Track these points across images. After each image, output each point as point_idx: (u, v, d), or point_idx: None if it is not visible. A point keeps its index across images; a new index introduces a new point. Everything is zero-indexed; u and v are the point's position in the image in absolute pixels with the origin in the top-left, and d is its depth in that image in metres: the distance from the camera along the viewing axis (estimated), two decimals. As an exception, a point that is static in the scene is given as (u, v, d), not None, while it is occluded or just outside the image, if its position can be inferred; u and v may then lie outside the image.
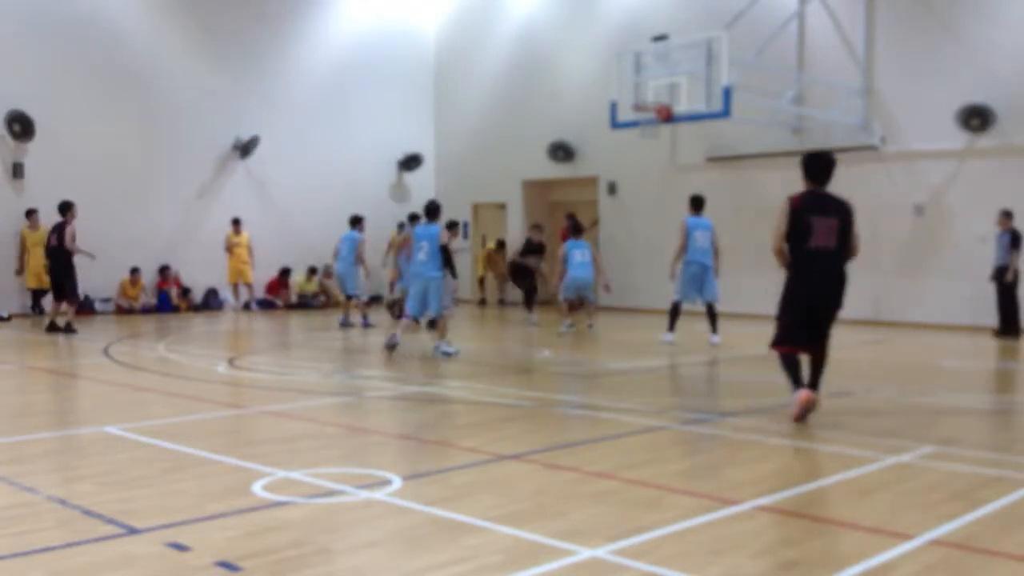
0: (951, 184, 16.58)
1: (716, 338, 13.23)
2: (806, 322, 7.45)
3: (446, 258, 12.01)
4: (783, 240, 7.34)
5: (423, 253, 11.90)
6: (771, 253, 7.59)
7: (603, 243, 20.57)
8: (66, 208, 15.30)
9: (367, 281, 16.11)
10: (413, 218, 16.80)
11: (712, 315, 13.38)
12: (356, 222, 16.75)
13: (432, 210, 12.29)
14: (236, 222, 20.26)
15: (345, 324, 16.39)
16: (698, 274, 13.21)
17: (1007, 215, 14.75)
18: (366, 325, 16.23)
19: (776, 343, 7.53)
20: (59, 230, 15.09)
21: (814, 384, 7.52)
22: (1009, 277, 14.60)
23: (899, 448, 6.56)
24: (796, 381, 7.43)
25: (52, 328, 15.07)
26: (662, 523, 4.72)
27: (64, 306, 15.29)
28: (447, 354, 11.89)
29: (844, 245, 7.46)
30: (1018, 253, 14.61)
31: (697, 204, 13.50)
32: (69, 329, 14.97)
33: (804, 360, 7.61)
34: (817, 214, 7.50)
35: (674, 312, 13.53)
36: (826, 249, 7.36)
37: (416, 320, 12.63)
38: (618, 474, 5.84)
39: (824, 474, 5.90)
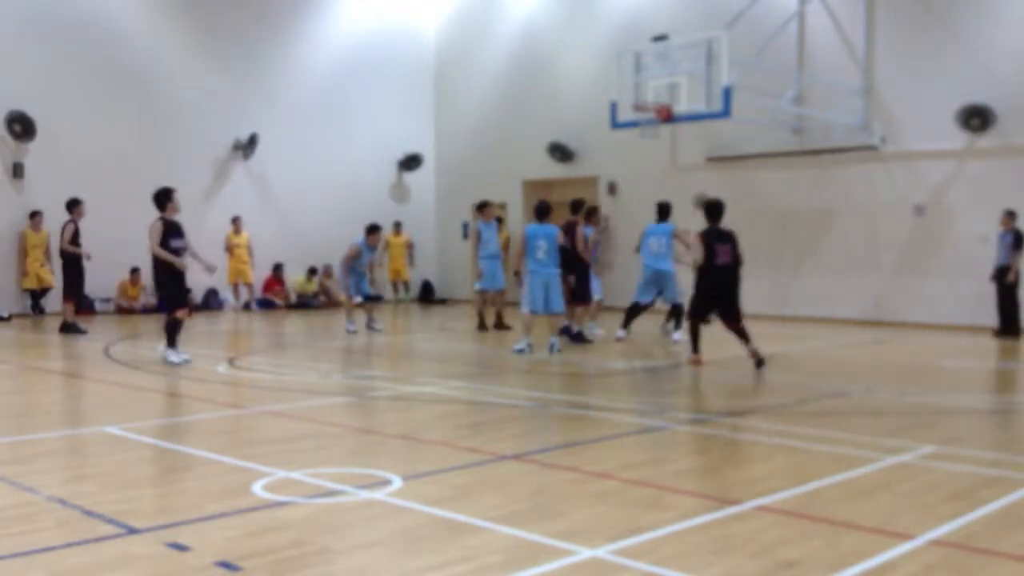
0: (951, 184, 16.58)
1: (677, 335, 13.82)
2: (711, 306, 10.98)
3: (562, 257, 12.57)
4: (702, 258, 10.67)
5: (541, 252, 12.33)
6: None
7: (604, 243, 20.56)
8: (72, 205, 15.14)
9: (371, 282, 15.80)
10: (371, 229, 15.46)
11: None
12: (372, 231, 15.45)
13: (543, 210, 12.68)
14: (236, 222, 20.26)
15: (370, 327, 15.36)
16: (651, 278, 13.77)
17: (1010, 215, 14.71)
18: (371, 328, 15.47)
19: (693, 316, 11.12)
20: (63, 228, 14.99)
21: (746, 340, 10.74)
22: (1011, 277, 14.56)
23: (899, 448, 6.56)
24: (696, 345, 10.99)
25: (65, 328, 14.94)
26: (662, 523, 4.72)
27: (64, 305, 15.21)
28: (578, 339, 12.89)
29: (736, 259, 10.86)
30: (1019, 254, 14.53)
31: (662, 212, 13.96)
32: (72, 328, 14.81)
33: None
34: (718, 242, 10.94)
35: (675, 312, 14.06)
36: (725, 264, 10.75)
37: (534, 315, 12.55)
38: (618, 474, 5.84)
39: (824, 474, 5.90)
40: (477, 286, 15.53)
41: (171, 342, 11.06)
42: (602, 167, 21.12)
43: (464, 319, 19.34)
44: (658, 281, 13.65)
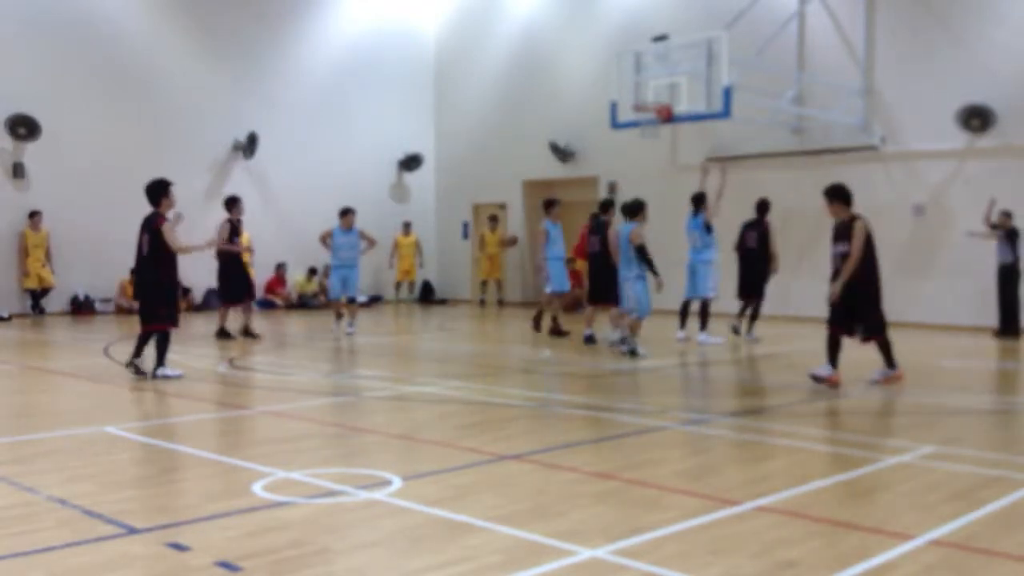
0: (951, 184, 16.57)
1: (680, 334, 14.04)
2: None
3: (640, 256, 12.04)
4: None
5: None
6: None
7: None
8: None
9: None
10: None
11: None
12: (343, 214, 14.99)
13: (635, 208, 12.03)
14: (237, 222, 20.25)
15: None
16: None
17: (1007, 215, 14.71)
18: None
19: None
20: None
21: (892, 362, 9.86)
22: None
23: (899, 448, 6.56)
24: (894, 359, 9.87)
25: (223, 334, 13.98)
26: (662, 523, 4.72)
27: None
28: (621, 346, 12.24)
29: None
30: (1014, 250, 14.62)
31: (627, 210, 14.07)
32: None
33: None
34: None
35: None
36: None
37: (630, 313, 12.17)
38: (618, 474, 5.84)
39: (824, 474, 5.90)
40: (549, 289, 14.38)
41: (162, 359, 9.96)
42: (602, 167, 21.11)
43: (464, 319, 19.35)
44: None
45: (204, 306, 20.36)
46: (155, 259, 9.93)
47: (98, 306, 19.10)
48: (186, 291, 20.30)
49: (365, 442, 7.13)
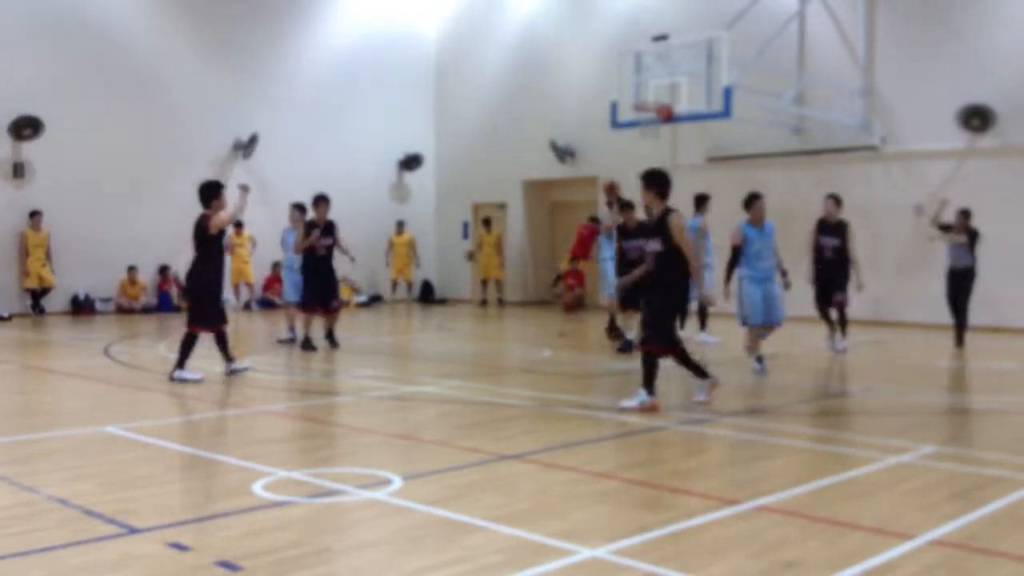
0: (951, 184, 16.57)
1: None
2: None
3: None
4: None
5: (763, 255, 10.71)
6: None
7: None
8: (316, 203, 12.87)
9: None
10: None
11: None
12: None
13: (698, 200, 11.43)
14: (239, 224, 20.31)
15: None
16: None
17: (965, 215, 13.42)
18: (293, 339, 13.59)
19: None
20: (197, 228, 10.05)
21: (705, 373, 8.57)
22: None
23: (899, 448, 6.56)
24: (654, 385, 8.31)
25: (307, 345, 12.79)
26: (662, 523, 4.72)
27: (311, 314, 12.95)
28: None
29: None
30: (972, 253, 13.36)
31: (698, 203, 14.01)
32: (308, 345, 12.75)
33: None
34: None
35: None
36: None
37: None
38: (618, 474, 5.84)
39: (824, 474, 5.90)
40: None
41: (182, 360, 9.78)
42: (602, 167, 21.08)
43: (464, 319, 19.35)
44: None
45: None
46: (200, 261, 9.85)
47: (98, 306, 19.10)
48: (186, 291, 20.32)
49: (365, 442, 7.13)
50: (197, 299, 10.02)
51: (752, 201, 10.51)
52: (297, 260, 13.29)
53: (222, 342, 10.09)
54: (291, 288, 13.65)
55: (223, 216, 9.61)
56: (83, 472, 5.91)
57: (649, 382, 8.07)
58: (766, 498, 5.20)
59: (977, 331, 15.40)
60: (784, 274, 10.70)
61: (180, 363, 9.72)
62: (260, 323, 18.07)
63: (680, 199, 15.49)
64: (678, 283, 8.10)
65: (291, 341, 13.47)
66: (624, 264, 11.84)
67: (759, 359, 10.46)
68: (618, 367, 11.26)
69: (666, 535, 4.55)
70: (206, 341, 10.17)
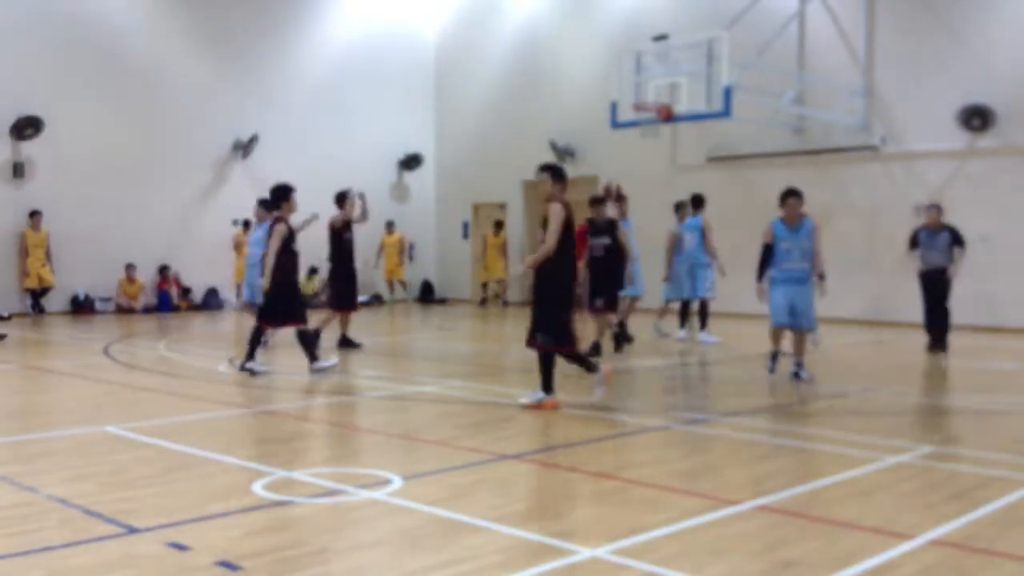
0: (951, 184, 16.57)
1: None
2: None
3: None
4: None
5: (795, 256, 9.98)
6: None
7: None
8: (279, 196, 10.98)
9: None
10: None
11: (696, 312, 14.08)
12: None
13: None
14: (246, 223, 20.35)
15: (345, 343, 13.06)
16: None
17: (937, 209, 12.64)
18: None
19: None
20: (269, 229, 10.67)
21: (594, 367, 8.40)
22: (951, 272, 12.42)
23: (899, 448, 6.56)
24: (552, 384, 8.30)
25: (345, 343, 12.76)
26: (662, 523, 4.71)
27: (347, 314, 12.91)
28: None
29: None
30: (962, 253, 12.47)
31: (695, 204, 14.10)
32: (348, 343, 12.64)
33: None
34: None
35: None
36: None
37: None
38: (618, 474, 5.84)
39: (824, 474, 5.90)
40: (635, 292, 13.39)
41: (312, 355, 10.10)
42: (602, 167, 21.07)
43: (464, 319, 19.34)
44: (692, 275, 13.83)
45: (203, 306, 20.36)
46: (275, 260, 10.15)
47: (98, 305, 19.10)
48: (186, 291, 20.33)
49: (365, 442, 7.13)
50: (272, 297, 10.27)
51: (785, 198, 9.90)
52: (255, 258, 12.87)
53: (257, 338, 10.38)
54: (250, 288, 13.06)
55: (274, 247, 10.07)
56: (83, 472, 5.91)
57: (548, 380, 8.17)
58: (766, 498, 5.20)
59: (977, 331, 15.40)
60: (821, 278, 9.85)
61: (250, 355, 10.14)
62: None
63: (679, 199, 15.56)
64: (564, 278, 8.07)
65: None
66: (590, 260, 11.71)
67: (799, 366, 9.82)
68: (628, 367, 11.25)
69: (666, 535, 4.55)
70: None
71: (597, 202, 12.02)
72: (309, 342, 10.29)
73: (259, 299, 12.83)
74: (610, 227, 11.83)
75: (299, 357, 12.23)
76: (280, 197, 10.24)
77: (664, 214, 15.70)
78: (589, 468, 5.96)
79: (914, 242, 12.63)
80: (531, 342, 8.19)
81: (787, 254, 9.78)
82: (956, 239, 12.40)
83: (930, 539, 4.50)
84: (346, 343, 12.65)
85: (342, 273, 12.59)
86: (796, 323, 9.80)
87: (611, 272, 11.75)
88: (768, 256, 9.90)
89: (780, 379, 10.05)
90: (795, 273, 9.75)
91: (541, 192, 8.25)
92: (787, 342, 10.15)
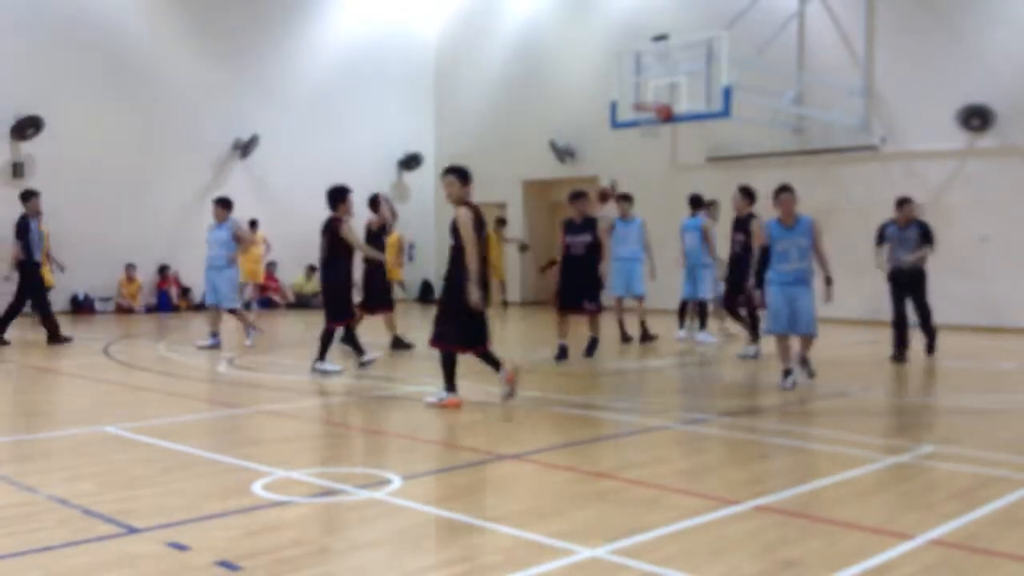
0: (951, 184, 16.57)
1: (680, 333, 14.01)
2: None
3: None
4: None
5: (794, 257, 9.29)
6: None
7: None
8: (336, 197, 10.88)
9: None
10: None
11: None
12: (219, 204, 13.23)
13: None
14: (253, 223, 20.41)
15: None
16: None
17: (907, 203, 11.61)
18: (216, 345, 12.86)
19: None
20: (328, 230, 10.80)
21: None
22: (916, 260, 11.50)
23: (899, 448, 6.56)
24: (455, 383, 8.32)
25: (397, 343, 12.68)
26: (662, 523, 4.71)
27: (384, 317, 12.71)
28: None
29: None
30: (930, 249, 11.56)
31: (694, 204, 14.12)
32: (400, 344, 12.57)
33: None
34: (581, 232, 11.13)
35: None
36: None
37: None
38: (618, 474, 5.84)
39: (824, 474, 5.90)
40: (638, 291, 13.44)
41: (323, 353, 10.24)
42: (602, 167, 21.09)
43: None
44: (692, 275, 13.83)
45: (203, 306, 20.32)
46: (329, 261, 10.51)
47: (98, 305, 19.11)
48: (185, 291, 20.32)
49: (365, 442, 7.13)
50: (331, 296, 10.46)
51: (778, 194, 9.31)
52: (221, 258, 12.83)
53: (328, 338, 10.46)
54: (220, 288, 12.86)
55: (357, 241, 10.50)
56: (83, 472, 5.90)
57: (450, 379, 8.27)
58: (766, 498, 5.20)
59: (977, 331, 15.41)
60: (828, 282, 9.28)
61: (321, 355, 10.23)
62: (261, 323, 18.06)
63: (680, 199, 15.58)
64: (464, 279, 8.12)
65: (215, 347, 12.59)
66: (566, 259, 11.44)
67: (786, 373, 9.24)
68: (628, 367, 11.26)
69: (666, 535, 4.55)
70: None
71: (576, 198, 11.65)
72: (327, 341, 10.33)
73: (224, 303, 12.83)
74: (591, 224, 11.49)
75: (298, 357, 12.23)
76: (337, 199, 10.53)
77: (664, 214, 15.73)
78: (589, 468, 5.95)
79: (881, 238, 11.77)
80: (434, 342, 8.35)
81: (784, 255, 9.21)
82: (925, 235, 11.48)
83: (930, 539, 4.50)
84: (399, 344, 12.64)
85: (380, 275, 12.58)
86: (795, 328, 9.23)
87: (595, 270, 11.48)
88: (765, 259, 9.41)
89: (779, 380, 10.05)
90: (793, 275, 9.16)
91: (450, 195, 8.27)
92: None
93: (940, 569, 4.13)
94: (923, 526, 4.68)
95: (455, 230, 8.10)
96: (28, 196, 13.44)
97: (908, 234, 11.49)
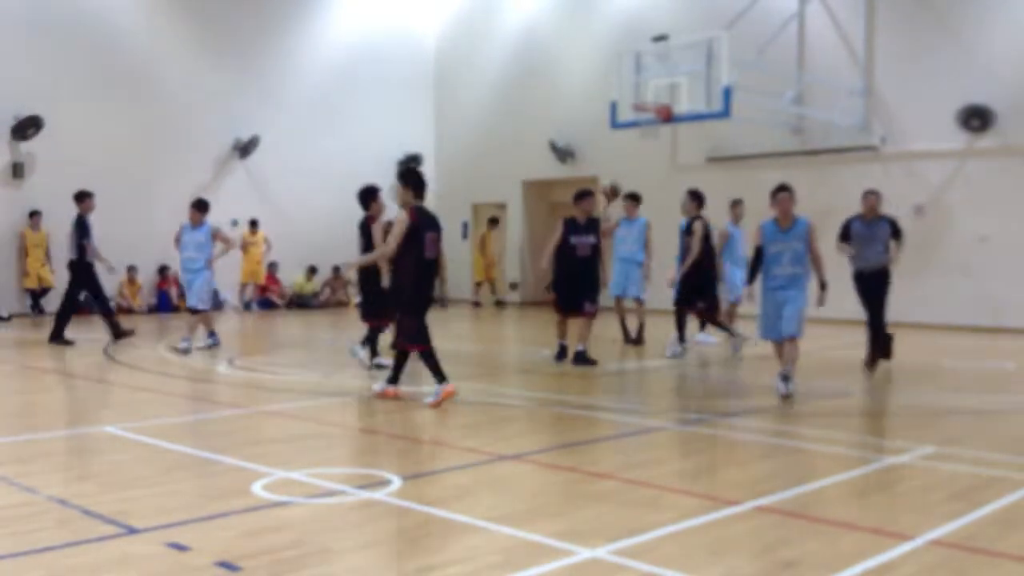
0: (951, 184, 16.57)
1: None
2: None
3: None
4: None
5: (786, 261, 8.87)
6: None
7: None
8: (367, 197, 10.80)
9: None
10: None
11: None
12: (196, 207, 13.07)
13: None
14: (254, 223, 20.45)
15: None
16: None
17: (875, 195, 10.89)
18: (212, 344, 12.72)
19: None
20: (362, 230, 10.78)
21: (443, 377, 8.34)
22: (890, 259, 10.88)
23: (899, 448, 6.56)
24: (443, 375, 8.32)
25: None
26: (662, 523, 4.71)
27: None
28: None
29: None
30: (900, 246, 10.87)
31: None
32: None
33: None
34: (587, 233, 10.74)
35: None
36: (432, 259, 8.40)
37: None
38: (618, 474, 5.84)
39: (824, 474, 5.90)
40: (732, 297, 13.27)
41: (373, 349, 10.58)
42: (602, 167, 21.09)
43: (463, 319, 19.34)
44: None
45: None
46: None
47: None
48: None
49: (365, 442, 7.14)
50: (368, 295, 10.60)
51: (776, 193, 8.85)
52: (198, 261, 12.53)
53: (375, 336, 10.73)
54: (194, 288, 12.49)
55: (380, 241, 10.07)
56: (83, 472, 5.91)
57: (395, 374, 8.56)
58: (766, 498, 5.20)
59: (977, 331, 15.41)
60: (822, 287, 8.85)
61: (372, 352, 10.57)
62: (261, 323, 18.07)
63: (679, 199, 15.57)
64: (404, 280, 8.31)
65: (186, 352, 12.12)
66: (571, 260, 11.09)
67: (784, 378, 8.75)
68: (628, 367, 11.26)
69: (666, 535, 4.55)
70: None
71: (581, 198, 11.31)
72: (373, 338, 10.68)
73: (201, 304, 12.41)
74: (595, 225, 11.29)
75: (298, 357, 12.24)
76: (369, 198, 10.53)
77: (664, 215, 15.72)
78: (589, 468, 5.96)
79: (845, 234, 10.92)
80: (406, 345, 8.52)
81: (776, 258, 8.75)
82: (895, 231, 10.68)
83: (930, 539, 4.50)
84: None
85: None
86: (778, 333, 8.81)
87: (597, 272, 11.27)
88: (759, 260, 8.94)
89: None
90: (785, 279, 8.71)
91: (396, 199, 8.43)
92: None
93: (940, 569, 4.13)
94: (923, 526, 4.68)
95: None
96: (83, 196, 13.43)
97: (877, 231, 10.69)
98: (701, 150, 19.41)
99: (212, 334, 12.83)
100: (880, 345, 10.63)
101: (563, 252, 11.17)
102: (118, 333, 13.62)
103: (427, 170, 24.17)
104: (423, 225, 8.19)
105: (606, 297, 12.35)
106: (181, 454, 6.45)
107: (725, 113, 15.07)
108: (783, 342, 8.81)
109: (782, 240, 8.75)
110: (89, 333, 15.18)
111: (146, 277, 19.87)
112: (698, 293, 12.12)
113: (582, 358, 11.02)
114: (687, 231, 12.27)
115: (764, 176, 18.34)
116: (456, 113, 24.12)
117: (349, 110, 22.71)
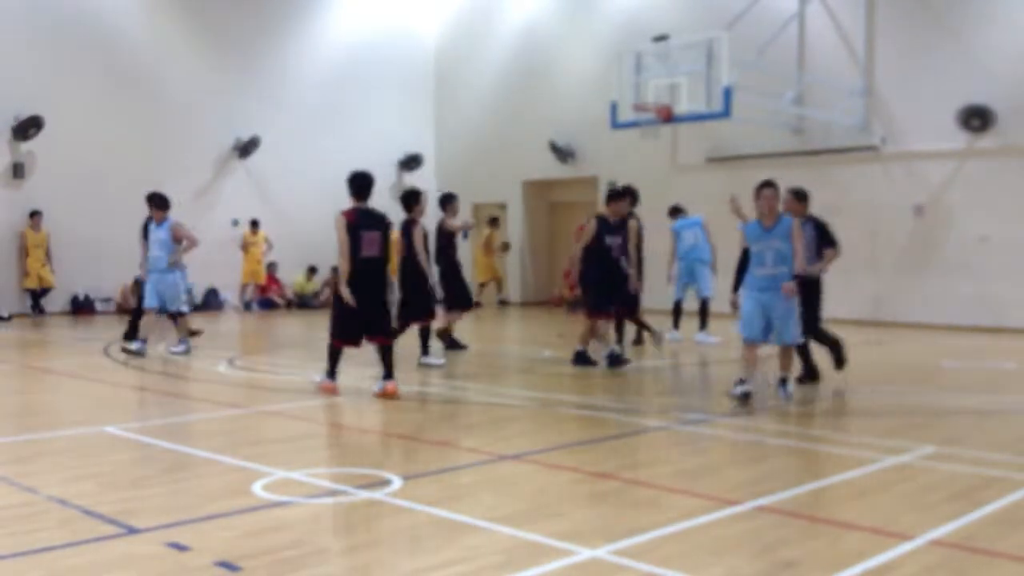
0: (951, 184, 16.58)
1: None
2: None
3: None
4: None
5: (769, 261, 8.43)
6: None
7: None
8: (410, 200, 11.09)
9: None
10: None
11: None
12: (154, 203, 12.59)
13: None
14: (255, 223, 20.45)
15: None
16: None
17: (798, 196, 9.39)
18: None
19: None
20: (405, 232, 11.00)
21: (390, 374, 8.67)
22: (810, 269, 8.95)
23: (899, 448, 6.56)
24: (334, 372, 8.89)
25: (453, 344, 12.57)
26: (662, 523, 4.71)
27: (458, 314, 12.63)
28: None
29: (386, 254, 8.90)
30: (833, 250, 9.38)
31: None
32: (453, 344, 12.52)
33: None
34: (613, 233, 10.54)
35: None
36: (372, 257, 8.73)
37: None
38: (618, 474, 5.84)
39: (824, 474, 5.90)
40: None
41: (425, 348, 11.12)
42: (602, 167, 21.11)
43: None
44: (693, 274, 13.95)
45: (203, 306, 20.34)
46: (408, 260, 10.95)
47: (98, 306, 19.11)
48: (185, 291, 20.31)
49: (365, 442, 7.14)
50: (410, 294, 10.98)
51: (759, 190, 8.50)
52: (162, 260, 12.00)
53: (426, 334, 11.15)
54: (164, 294, 11.97)
55: (415, 246, 10.83)
56: (83, 472, 5.90)
57: (331, 367, 8.89)
58: (766, 498, 5.20)
59: (977, 331, 15.41)
60: (793, 277, 8.33)
61: (424, 351, 10.99)
62: (261, 323, 18.07)
63: (680, 199, 15.57)
64: (349, 280, 8.65)
65: (186, 353, 11.91)
66: (607, 261, 10.74)
67: (784, 382, 8.57)
68: (628, 367, 11.24)
69: (666, 535, 4.55)
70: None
71: (615, 198, 11.01)
72: (425, 337, 11.13)
73: (171, 306, 12.00)
74: (625, 226, 11.01)
75: (298, 357, 12.24)
76: (412, 201, 10.92)
77: (663, 215, 15.71)
78: (589, 468, 5.96)
79: None
80: (382, 339, 8.85)
81: (759, 258, 8.39)
82: (824, 237, 9.37)
83: (930, 539, 4.50)
84: (453, 344, 12.57)
85: (456, 273, 12.73)
86: (777, 339, 8.49)
87: (624, 273, 11.01)
88: (745, 264, 8.62)
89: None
90: (768, 280, 8.33)
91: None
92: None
93: (940, 569, 4.13)
94: (923, 526, 4.68)
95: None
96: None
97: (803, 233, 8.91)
98: (701, 150, 19.41)
99: (184, 340, 12.19)
100: (832, 353, 9.77)
101: (596, 253, 10.76)
102: (130, 333, 12.64)
103: (427, 170, 24.25)
104: (360, 224, 8.76)
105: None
106: (181, 454, 6.45)
107: (725, 113, 15.08)
108: (759, 345, 8.55)
109: (764, 240, 8.40)
110: (89, 333, 15.19)
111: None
112: (609, 297, 11.06)
113: (582, 358, 10.94)
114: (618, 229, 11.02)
115: (764, 176, 18.30)
116: (456, 113, 24.12)
117: (349, 110, 22.71)
